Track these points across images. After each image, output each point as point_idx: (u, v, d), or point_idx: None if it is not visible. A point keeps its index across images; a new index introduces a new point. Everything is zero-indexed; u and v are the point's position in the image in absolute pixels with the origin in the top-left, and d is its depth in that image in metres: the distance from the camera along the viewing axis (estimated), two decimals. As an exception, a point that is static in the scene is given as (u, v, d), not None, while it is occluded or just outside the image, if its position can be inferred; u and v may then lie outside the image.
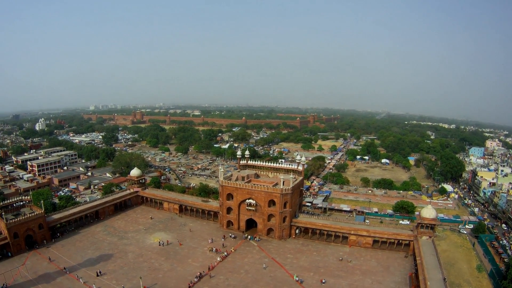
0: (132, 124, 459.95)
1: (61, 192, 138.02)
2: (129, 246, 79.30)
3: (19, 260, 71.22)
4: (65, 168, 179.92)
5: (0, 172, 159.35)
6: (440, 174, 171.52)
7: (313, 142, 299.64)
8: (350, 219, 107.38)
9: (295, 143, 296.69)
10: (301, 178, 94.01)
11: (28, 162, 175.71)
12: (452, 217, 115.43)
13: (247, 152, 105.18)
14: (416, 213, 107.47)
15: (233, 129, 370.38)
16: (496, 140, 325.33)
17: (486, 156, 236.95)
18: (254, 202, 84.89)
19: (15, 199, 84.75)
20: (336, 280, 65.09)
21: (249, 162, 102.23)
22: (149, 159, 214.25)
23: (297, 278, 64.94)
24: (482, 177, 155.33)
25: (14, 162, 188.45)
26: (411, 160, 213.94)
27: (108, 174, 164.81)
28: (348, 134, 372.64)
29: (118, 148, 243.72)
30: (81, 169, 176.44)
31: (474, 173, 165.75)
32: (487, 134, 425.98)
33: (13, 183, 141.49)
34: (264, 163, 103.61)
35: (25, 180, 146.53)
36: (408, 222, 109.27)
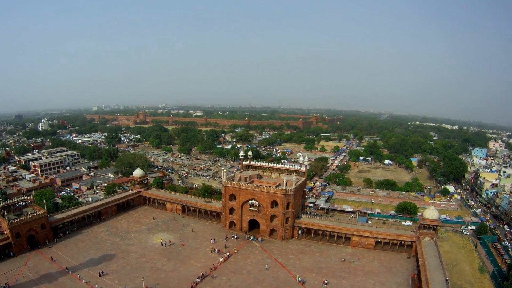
0: (135, 125, 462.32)
1: (63, 192, 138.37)
2: (131, 247, 79.46)
3: (21, 260, 71.33)
4: (68, 168, 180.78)
5: (3, 172, 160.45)
6: (442, 175, 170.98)
7: (315, 143, 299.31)
8: (353, 220, 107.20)
9: (298, 143, 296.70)
10: (303, 179, 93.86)
11: (31, 162, 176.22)
12: (454, 218, 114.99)
13: (249, 153, 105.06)
14: (419, 214, 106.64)
15: (236, 130, 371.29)
16: (499, 141, 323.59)
17: (489, 157, 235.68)
18: (256, 202, 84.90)
19: (18, 199, 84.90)
20: (338, 281, 65.01)
21: (251, 162, 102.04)
22: (152, 159, 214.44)
23: (299, 279, 64.92)
24: (484, 178, 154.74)
25: (17, 162, 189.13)
26: (414, 161, 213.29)
27: (110, 175, 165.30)
28: (351, 135, 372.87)
29: (121, 149, 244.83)
30: (83, 169, 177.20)
31: (476, 174, 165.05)
32: (489, 135, 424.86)
33: (16, 183, 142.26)
34: (266, 164, 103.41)
35: (27, 180, 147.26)
36: (410, 223, 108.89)
